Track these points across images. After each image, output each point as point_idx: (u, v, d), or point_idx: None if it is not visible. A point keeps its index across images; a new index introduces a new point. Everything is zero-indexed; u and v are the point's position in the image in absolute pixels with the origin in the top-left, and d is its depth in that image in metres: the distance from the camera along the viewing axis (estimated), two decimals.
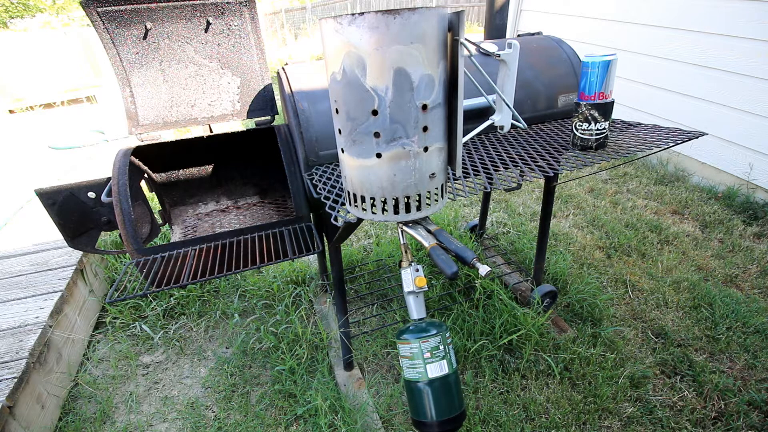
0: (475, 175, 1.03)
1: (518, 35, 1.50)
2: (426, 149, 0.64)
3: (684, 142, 1.13)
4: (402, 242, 0.77)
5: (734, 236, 2.27)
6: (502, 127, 1.19)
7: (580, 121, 1.11)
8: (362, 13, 0.55)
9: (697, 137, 1.13)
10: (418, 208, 0.70)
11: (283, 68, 1.25)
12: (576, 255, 2.16)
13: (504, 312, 1.65)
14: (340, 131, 0.66)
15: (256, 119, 1.40)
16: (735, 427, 1.32)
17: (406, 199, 0.68)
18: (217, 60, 1.32)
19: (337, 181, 1.05)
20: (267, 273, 2.09)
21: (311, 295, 1.98)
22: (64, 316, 1.67)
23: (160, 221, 1.51)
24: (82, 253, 1.96)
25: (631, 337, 1.66)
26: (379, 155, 0.63)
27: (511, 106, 1.07)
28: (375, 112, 0.60)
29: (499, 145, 1.23)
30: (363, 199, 0.69)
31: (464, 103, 1.17)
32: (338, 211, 0.91)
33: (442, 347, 0.72)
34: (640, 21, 3.11)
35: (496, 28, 2.35)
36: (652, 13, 3.02)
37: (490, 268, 0.64)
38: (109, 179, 1.20)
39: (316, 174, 1.13)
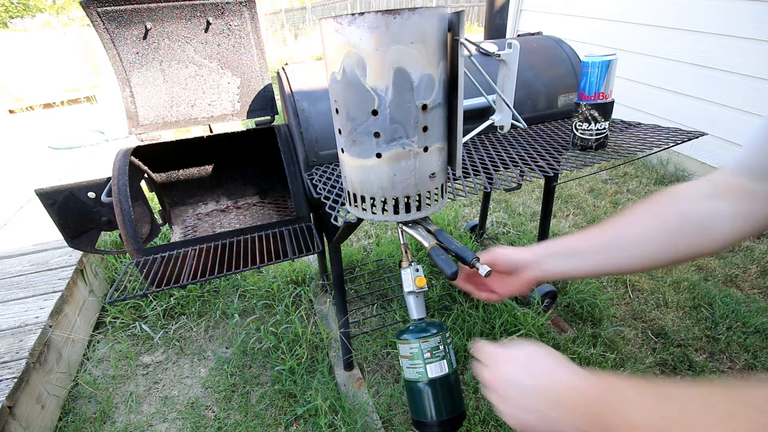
0: (475, 175, 1.03)
1: (518, 35, 1.50)
2: (426, 149, 0.64)
3: (684, 142, 1.12)
4: (402, 242, 0.77)
5: None
6: (502, 127, 1.19)
7: (580, 121, 1.11)
8: (362, 13, 0.55)
9: (697, 137, 1.12)
10: (418, 208, 0.70)
11: (283, 68, 1.25)
12: None
13: (504, 312, 1.65)
14: (340, 131, 0.66)
15: (256, 119, 1.40)
16: None
17: (406, 199, 0.68)
18: (217, 60, 1.32)
19: (337, 181, 1.05)
20: (267, 273, 2.09)
21: (311, 295, 1.98)
22: (64, 316, 1.67)
23: (160, 221, 1.51)
24: (82, 253, 1.96)
25: (631, 337, 1.66)
26: (379, 155, 0.63)
27: (511, 106, 1.07)
28: (375, 112, 0.60)
29: (499, 145, 1.23)
30: (363, 199, 0.69)
31: (464, 103, 1.17)
32: (338, 211, 0.91)
33: (442, 347, 0.72)
34: (641, 21, 3.11)
35: (496, 28, 2.35)
36: (652, 13, 3.02)
37: (490, 268, 0.64)
38: (109, 179, 1.20)
39: (316, 174, 1.13)
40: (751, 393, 0.33)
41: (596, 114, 1.08)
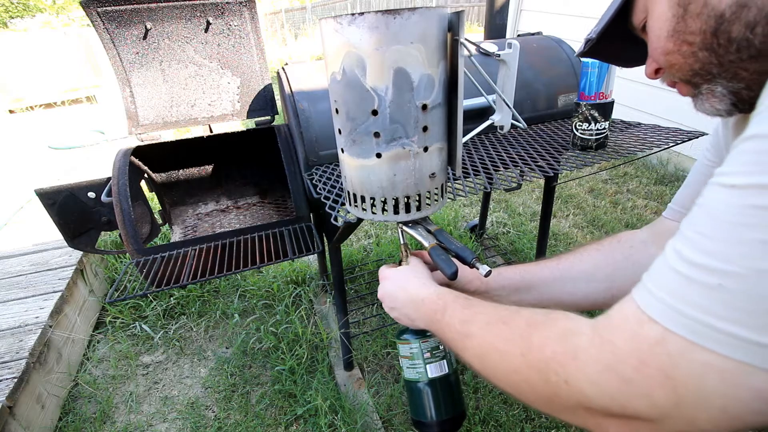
0: (475, 175, 1.03)
1: (518, 35, 1.50)
2: (426, 149, 0.64)
3: (684, 142, 1.12)
4: (402, 242, 0.77)
5: None
6: (502, 127, 1.19)
7: (580, 121, 1.11)
8: (362, 13, 0.55)
9: (697, 137, 1.12)
10: (418, 208, 0.70)
11: (283, 68, 1.25)
12: None
13: None
14: (340, 131, 0.66)
15: (256, 119, 1.40)
16: None
17: (406, 199, 0.68)
18: (217, 60, 1.32)
19: (337, 181, 1.05)
20: (267, 273, 2.09)
21: (311, 295, 1.98)
22: (64, 316, 1.67)
23: (160, 221, 1.51)
24: (82, 253, 1.96)
25: None
26: (379, 155, 0.63)
27: (511, 106, 1.07)
28: (375, 112, 0.60)
29: (499, 145, 1.23)
30: (363, 199, 0.69)
31: (464, 103, 1.17)
32: (338, 211, 0.91)
33: (442, 347, 0.72)
34: None
35: (496, 28, 2.36)
36: None
37: (490, 268, 0.64)
38: (109, 179, 1.20)
39: (316, 174, 1.13)
40: (519, 309, 0.50)
41: (596, 114, 1.08)
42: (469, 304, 0.56)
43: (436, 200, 0.70)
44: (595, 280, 0.71)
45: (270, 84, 1.39)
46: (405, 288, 0.67)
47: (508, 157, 1.13)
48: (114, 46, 1.21)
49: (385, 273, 0.73)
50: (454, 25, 0.60)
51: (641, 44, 0.53)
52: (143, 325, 1.82)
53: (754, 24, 0.37)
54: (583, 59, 1.10)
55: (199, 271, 1.08)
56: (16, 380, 1.31)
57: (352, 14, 0.55)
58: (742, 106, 0.43)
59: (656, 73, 0.51)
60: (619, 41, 0.56)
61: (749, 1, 0.37)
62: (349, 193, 0.71)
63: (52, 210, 1.18)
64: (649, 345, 0.33)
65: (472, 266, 0.65)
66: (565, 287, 0.72)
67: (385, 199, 0.67)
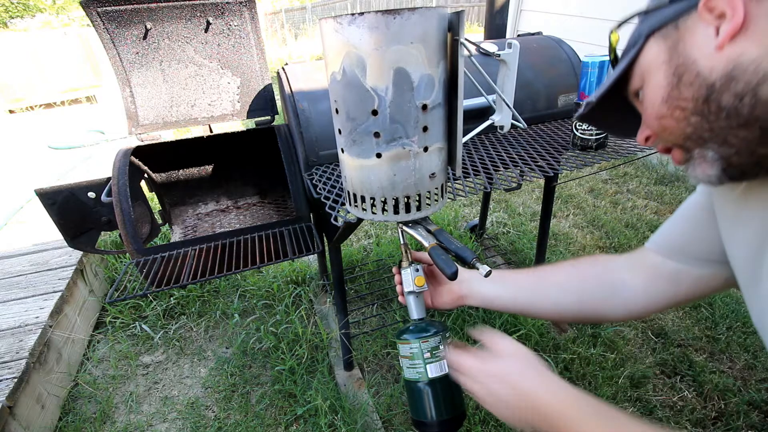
0: (475, 175, 1.03)
1: (518, 35, 1.50)
2: (426, 149, 0.64)
3: None
4: (402, 242, 0.77)
5: None
6: (502, 127, 1.19)
7: (580, 122, 1.11)
8: (362, 13, 0.55)
9: None
10: (418, 208, 0.70)
11: (283, 68, 1.25)
12: (576, 255, 2.16)
13: (504, 312, 1.65)
14: (340, 131, 0.66)
15: (256, 119, 1.40)
16: (735, 427, 1.32)
17: (406, 199, 0.68)
18: (217, 60, 1.32)
19: (337, 181, 1.05)
20: (267, 273, 2.09)
21: (311, 295, 1.98)
22: (64, 316, 1.67)
23: (160, 221, 1.51)
24: (82, 253, 1.96)
25: (631, 337, 1.66)
26: (379, 155, 0.63)
27: (511, 106, 1.07)
28: (375, 112, 0.60)
29: (499, 145, 1.23)
30: (363, 199, 0.69)
31: (464, 103, 1.17)
32: (338, 211, 0.91)
33: (442, 347, 0.72)
34: None
35: (496, 28, 2.35)
36: None
37: (490, 268, 0.64)
38: (109, 179, 1.20)
39: (316, 174, 1.13)
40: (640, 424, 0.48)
41: None
42: (603, 423, 0.50)
43: (436, 200, 0.70)
44: (564, 291, 0.74)
45: (270, 84, 1.38)
46: (528, 395, 0.56)
47: (508, 157, 1.13)
48: (114, 46, 1.21)
49: (487, 370, 0.60)
50: (454, 25, 0.60)
51: (635, 116, 0.55)
52: (143, 325, 1.82)
53: (743, 95, 0.39)
54: (583, 59, 1.10)
55: (199, 271, 1.08)
56: (16, 380, 1.31)
57: (352, 14, 0.55)
58: (732, 171, 0.44)
59: (647, 140, 0.53)
60: (615, 110, 0.58)
61: (737, 75, 0.39)
62: (349, 193, 0.71)
63: (52, 210, 1.18)
64: None
65: (472, 266, 0.65)
66: (537, 291, 0.75)
67: (385, 199, 0.67)
